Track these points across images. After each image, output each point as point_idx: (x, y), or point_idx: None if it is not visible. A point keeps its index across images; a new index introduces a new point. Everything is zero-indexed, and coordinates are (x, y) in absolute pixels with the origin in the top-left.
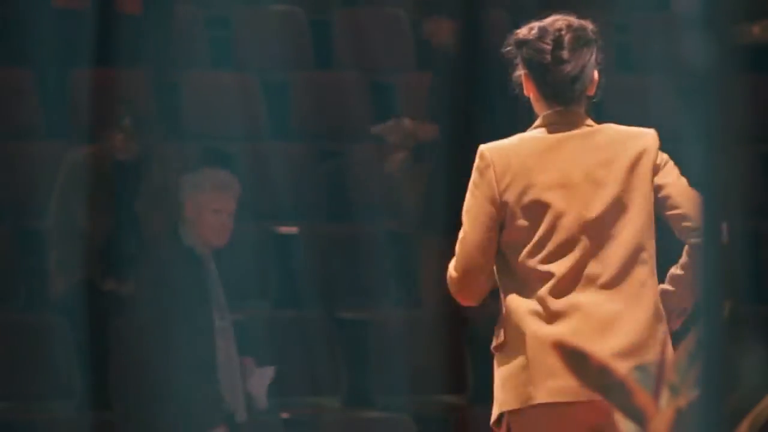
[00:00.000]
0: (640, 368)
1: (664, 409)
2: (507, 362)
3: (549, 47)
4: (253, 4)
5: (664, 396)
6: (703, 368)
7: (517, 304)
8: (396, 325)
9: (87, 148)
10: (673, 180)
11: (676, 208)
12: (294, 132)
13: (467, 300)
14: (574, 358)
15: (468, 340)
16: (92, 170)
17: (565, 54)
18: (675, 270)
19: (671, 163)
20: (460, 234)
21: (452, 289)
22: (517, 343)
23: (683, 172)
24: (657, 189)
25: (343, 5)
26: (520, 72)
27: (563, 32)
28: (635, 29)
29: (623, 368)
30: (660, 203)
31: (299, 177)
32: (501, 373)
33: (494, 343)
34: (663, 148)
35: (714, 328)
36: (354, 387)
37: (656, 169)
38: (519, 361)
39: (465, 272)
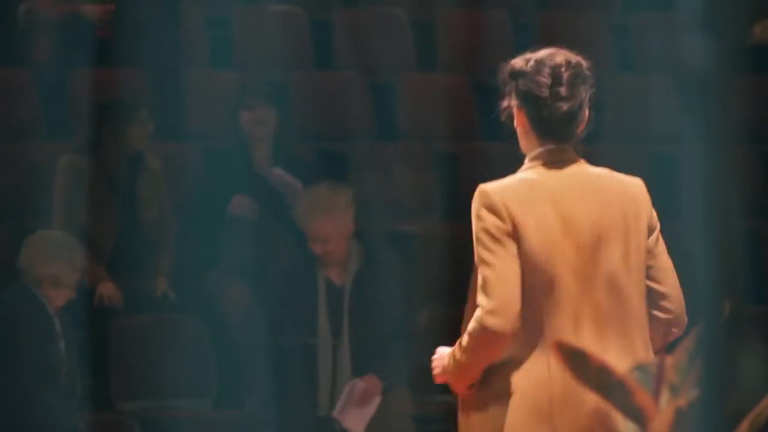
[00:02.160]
0: (640, 368)
1: (664, 409)
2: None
3: (548, 81)
4: (253, 4)
5: (664, 396)
6: (703, 368)
7: (521, 353)
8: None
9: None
10: (662, 252)
11: (659, 283)
12: (294, 132)
13: (506, 336)
14: (574, 358)
15: None
16: (103, 167)
17: (563, 90)
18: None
19: (660, 232)
20: (488, 272)
21: (488, 339)
22: (526, 395)
23: (684, 173)
24: (648, 252)
25: (343, 5)
26: (511, 103)
27: (563, 68)
28: (635, 29)
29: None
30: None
31: (299, 177)
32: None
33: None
34: (664, 148)
35: (714, 328)
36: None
37: (651, 228)
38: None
39: (505, 303)
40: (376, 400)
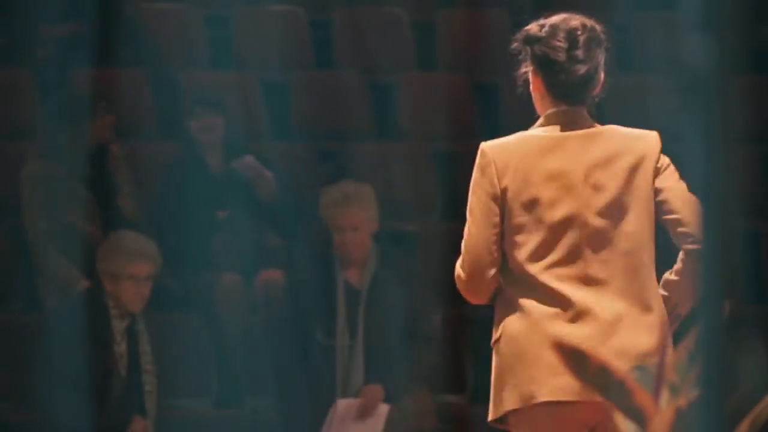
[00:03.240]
0: (640, 368)
1: (664, 409)
2: (507, 360)
3: (564, 45)
4: (253, 4)
5: (664, 396)
6: (703, 368)
7: (518, 302)
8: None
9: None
10: (672, 184)
11: (673, 212)
12: (294, 132)
13: (477, 298)
14: (574, 358)
15: (468, 340)
16: (69, 164)
17: (580, 53)
18: (669, 275)
19: (672, 167)
20: (465, 232)
21: (461, 287)
22: (518, 340)
23: (683, 173)
24: (656, 192)
25: (343, 5)
26: (526, 69)
27: (579, 32)
28: (635, 29)
29: (626, 369)
30: (658, 207)
31: (299, 177)
32: (500, 370)
33: (494, 339)
34: (663, 148)
35: (714, 328)
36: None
37: (657, 172)
38: (520, 359)
39: (473, 270)
40: (382, 410)
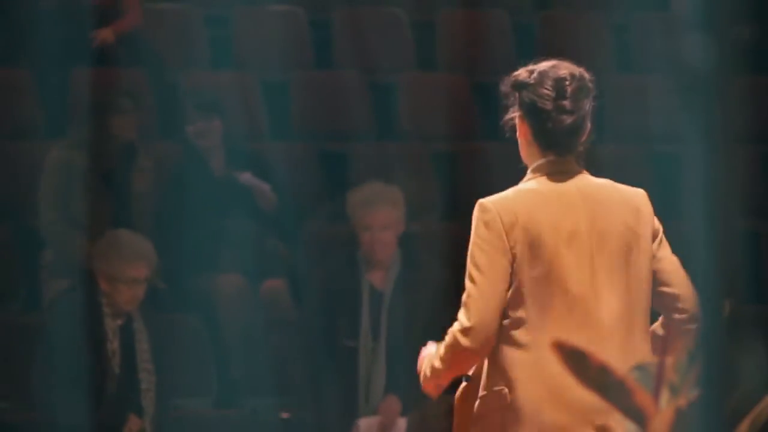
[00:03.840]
0: (640, 368)
1: (664, 409)
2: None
3: (551, 94)
4: (253, 4)
5: (664, 396)
6: (703, 368)
7: (515, 356)
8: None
9: (87, 135)
10: (668, 255)
11: (669, 286)
12: (294, 132)
13: (478, 356)
14: (574, 358)
15: None
16: (93, 159)
17: (567, 104)
18: (657, 334)
19: (663, 236)
20: (472, 291)
21: (459, 353)
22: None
23: (683, 173)
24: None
25: (343, 5)
26: (514, 114)
27: (567, 81)
28: (635, 29)
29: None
30: (654, 274)
31: (299, 177)
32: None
33: (482, 393)
34: (664, 148)
35: (714, 328)
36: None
37: (655, 234)
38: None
39: (482, 325)
40: (401, 424)
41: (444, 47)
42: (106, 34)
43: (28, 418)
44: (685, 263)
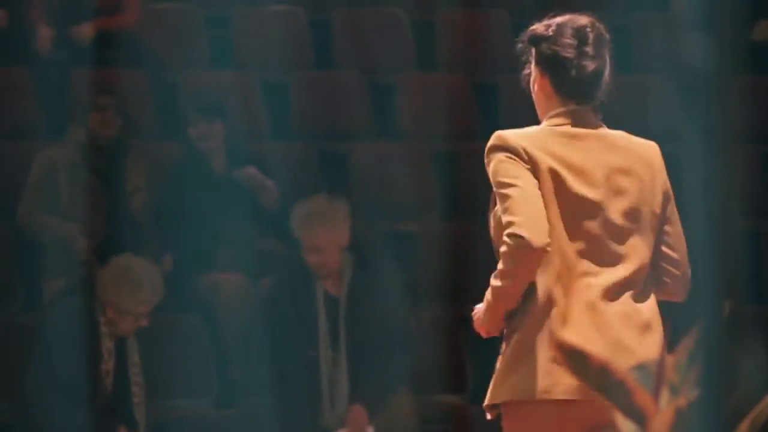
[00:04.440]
0: (640, 368)
1: (664, 409)
2: (525, 350)
3: (573, 42)
4: (253, 4)
5: (664, 396)
6: (703, 368)
7: (538, 292)
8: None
9: (72, 134)
10: (676, 218)
11: (673, 249)
12: (294, 132)
13: (538, 249)
14: (574, 358)
15: (468, 340)
16: (76, 157)
17: (590, 50)
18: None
19: (672, 194)
20: (511, 195)
21: (522, 238)
22: (533, 333)
23: (684, 173)
24: (664, 219)
25: (343, 5)
26: (531, 69)
27: (588, 29)
28: (635, 29)
29: (626, 368)
30: (661, 234)
31: (299, 177)
32: (518, 358)
33: (512, 326)
34: (664, 148)
35: (714, 328)
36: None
37: (665, 192)
38: (537, 353)
39: (533, 217)
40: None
41: (444, 47)
42: (84, 30)
43: (28, 418)
44: None
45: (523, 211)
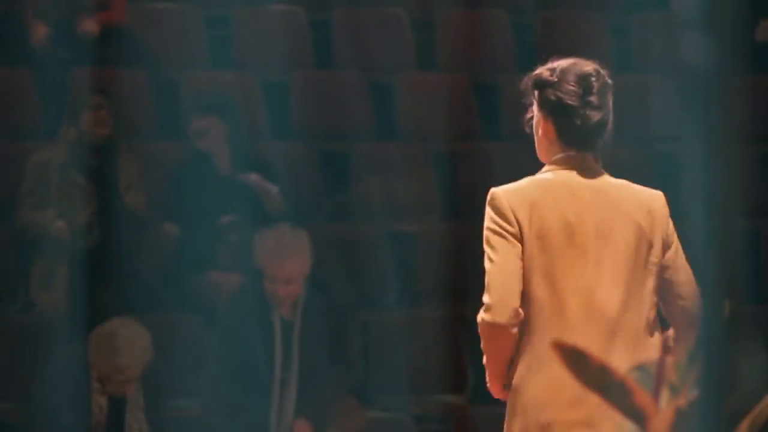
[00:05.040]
0: (640, 368)
1: (664, 409)
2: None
3: (578, 90)
4: (253, 4)
5: (664, 396)
6: (703, 368)
7: (534, 344)
8: (396, 325)
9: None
10: (681, 265)
11: (681, 298)
12: (294, 132)
13: (506, 329)
14: (574, 358)
15: (468, 340)
16: (68, 157)
17: (595, 100)
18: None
19: (677, 239)
20: (490, 269)
21: (487, 332)
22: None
23: (684, 173)
24: (663, 266)
25: (343, 5)
26: (534, 112)
27: (593, 78)
28: (635, 29)
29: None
30: (664, 283)
31: (299, 177)
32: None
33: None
34: (664, 148)
35: (714, 328)
36: (355, 386)
37: (666, 239)
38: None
39: (503, 297)
40: None
41: (444, 47)
42: (88, 26)
43: (28, 418)
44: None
45: (494, 292)
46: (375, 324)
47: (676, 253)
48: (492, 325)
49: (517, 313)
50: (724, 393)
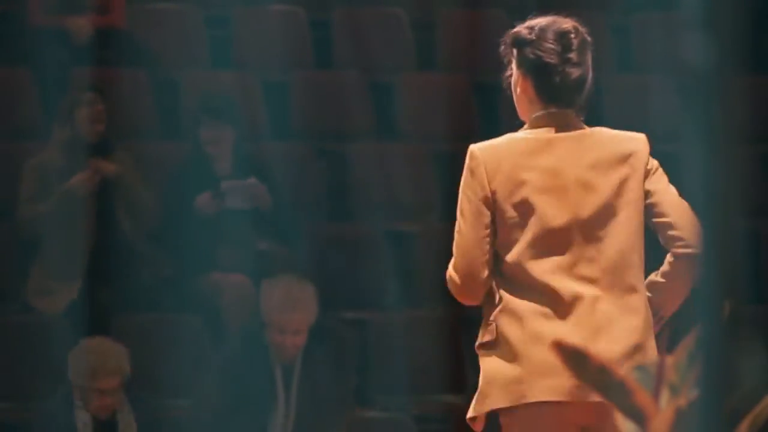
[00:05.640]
0: (640, 368)
1: (664, 409)
2: (497, 359)
3: (557, 48)
4: (253, 4)
5: (664, 396)
6: (703, 368)
7: (511, 301)
8: (396, 325)
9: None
10: (662, 187)
11: (663, 216)
12: (294, 132)
13: (469, 299)
14: (574, 358)
15: (467, 340)
16: (61, 158)
17: (574, 57)
18: (655, 277)
19: (661, 170)
20: (456, 234)
21: (454, 290)
22: (510, 340)
23: (684, 173)
24: (645, 195)
25: (343, 5)
26: (513, 71)
27: (572, 35)
28: (635, 29)
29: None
30: (647, 210)
31: (299, 177)
32: (490, 370)
33: (482, 340)
34: (664, 148)
35: (714, 328)
36: (355, 386)
37: (647, 174)
38: (511, 358)
39: (466, 271)
40: None
41: (444, 47)
42: (81, 24)
43: (28, 419)
44: None
45: (458, 254)
46: (375, 324)
47: (655, 178)
48: (454, 285)
49: (478, 283)
50: (724, 393)
